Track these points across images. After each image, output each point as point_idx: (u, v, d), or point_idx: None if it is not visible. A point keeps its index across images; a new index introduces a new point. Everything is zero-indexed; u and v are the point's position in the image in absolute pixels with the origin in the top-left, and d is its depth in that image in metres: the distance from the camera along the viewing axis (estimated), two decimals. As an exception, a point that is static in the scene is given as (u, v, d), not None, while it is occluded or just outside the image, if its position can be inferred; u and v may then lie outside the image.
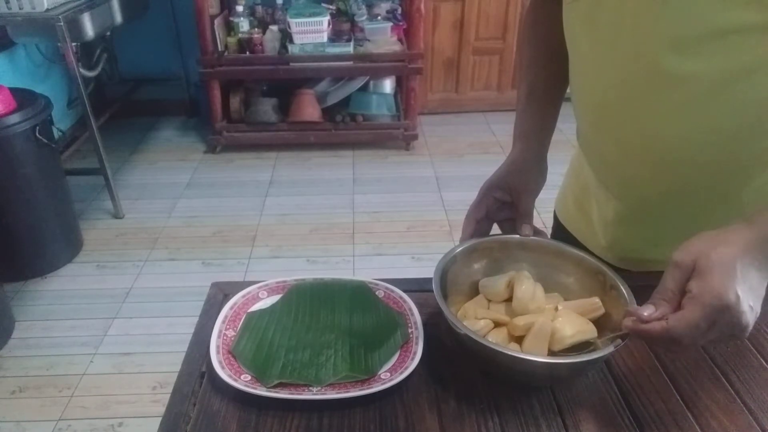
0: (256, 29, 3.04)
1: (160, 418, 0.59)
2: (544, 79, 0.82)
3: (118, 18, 2.70)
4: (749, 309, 0.53)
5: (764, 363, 0.66)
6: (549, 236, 0.78)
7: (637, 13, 0.61)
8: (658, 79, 0.62)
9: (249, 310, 0.73)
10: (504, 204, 0.76)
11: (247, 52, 3.01)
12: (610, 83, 0.67)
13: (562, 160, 0.98)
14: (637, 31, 0.61)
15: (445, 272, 0.68)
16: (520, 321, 0.64)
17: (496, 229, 0.77)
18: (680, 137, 0.64)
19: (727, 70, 0.58)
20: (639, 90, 0.64)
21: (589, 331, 0.63)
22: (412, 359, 0.64)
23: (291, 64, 2.95)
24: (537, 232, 0.75)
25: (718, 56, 0.58)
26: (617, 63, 0.65)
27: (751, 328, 0.54)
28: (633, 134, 0.68)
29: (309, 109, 3.07)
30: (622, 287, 0.64)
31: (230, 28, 3.06)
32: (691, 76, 0.60)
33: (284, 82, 3.11)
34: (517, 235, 0.74)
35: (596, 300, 0.66)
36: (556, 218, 0.98)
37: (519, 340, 0.64)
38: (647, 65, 0.62)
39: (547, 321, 0.63)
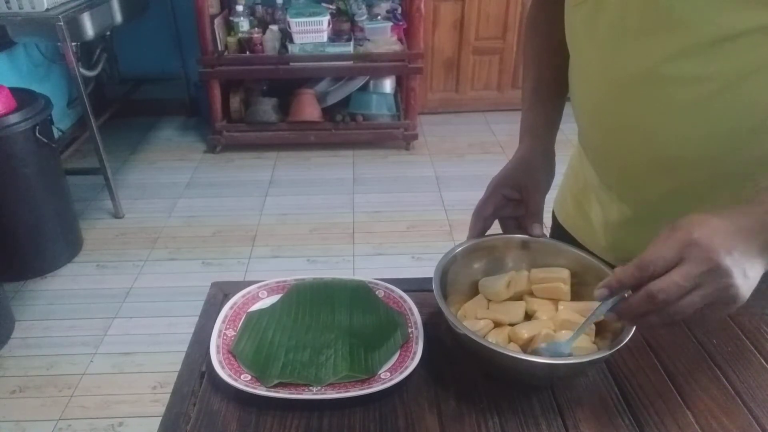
0: (256, 29, 3.03)
1: (160, 418, 0.59)
2: (549, 75, 0.82)
3: (118, 18, 2.70)
4: (742, 276, 0.47)
5: (764, 363, 0.66)
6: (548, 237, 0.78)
7: (642, 18, 0.61)
8: (661, 82, 0.61)
9: (249, 310, 0.73)
10: (510, 201, 0.75)
11: (247, 52, 3.00)
12: (611, 85, 0.67)
13: (562, 160, 0.97)
14: (641, 35, 0.61)
15: (445, 272, 0.68)
16: (523, 331, 0.64)
17: (495, 226, 0.77)
18: (681, 138, 0.64)
19: (731, 73, 0.58)
20: (640, 92, 0.64)
21: (587, 344, 0.63)
22: (412, 359, 0.64)
23: (291, 63, 2.95)
24: None
25: (722, 60, 0.57)
26: (618, 65, 0.65)
27: (745, 300, 0.49)
28: (633, 135, 0.68)
29: (309, 108, 3.07)
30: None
31: (230, 27, 3.06)
32: (695, 79, 0.59)
33: (284, 82, 3.11)
34: (518, 235, 0.74)
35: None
36: (554, 218, 0.98)
37: (522, 345, 0.64)
38: (649, 69, 0.62)
39: (549, 332, 0.62)
